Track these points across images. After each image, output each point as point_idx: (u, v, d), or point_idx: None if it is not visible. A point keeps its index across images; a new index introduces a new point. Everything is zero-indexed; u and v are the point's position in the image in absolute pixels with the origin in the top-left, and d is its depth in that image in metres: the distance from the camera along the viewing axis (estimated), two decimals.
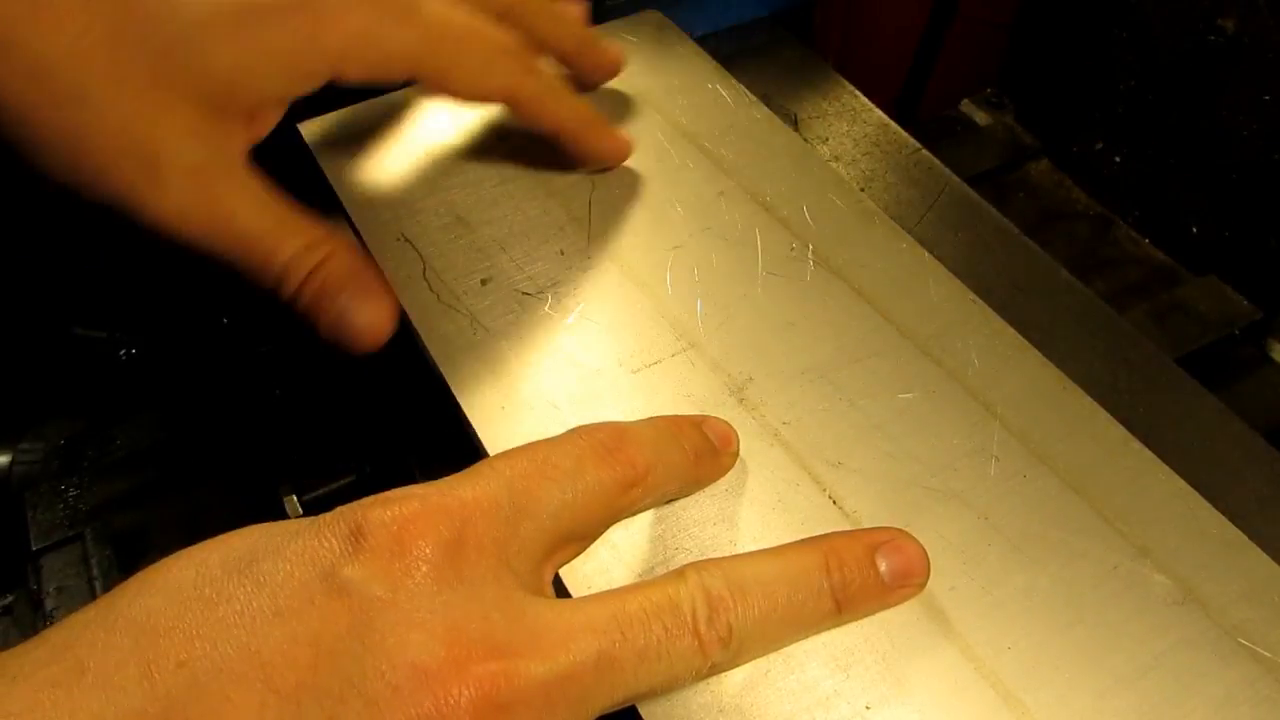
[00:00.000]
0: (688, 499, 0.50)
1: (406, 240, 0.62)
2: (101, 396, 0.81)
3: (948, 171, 0.77)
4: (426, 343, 0.57)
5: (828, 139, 0.81)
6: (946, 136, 1.00)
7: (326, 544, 0.32)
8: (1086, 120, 0.94)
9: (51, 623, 0.65)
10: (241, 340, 0.85)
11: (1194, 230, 0.87)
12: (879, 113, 0.83)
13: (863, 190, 0.74)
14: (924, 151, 0.79)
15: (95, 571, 0.67)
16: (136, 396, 0.82)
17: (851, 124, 0.82)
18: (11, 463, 0.76)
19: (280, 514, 0.69)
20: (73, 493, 0.71)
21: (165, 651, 0.30)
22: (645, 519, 0.49)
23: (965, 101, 1.02)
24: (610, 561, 0.48)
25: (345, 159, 0.68)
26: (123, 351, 0.80)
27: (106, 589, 0.67)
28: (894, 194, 0.76)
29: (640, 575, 0.47)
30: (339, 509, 0.34)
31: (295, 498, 0.68)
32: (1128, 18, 0.87)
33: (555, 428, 0.53)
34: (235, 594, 0.31)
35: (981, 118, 1.01)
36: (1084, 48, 0.92)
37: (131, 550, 0.70)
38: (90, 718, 0.29)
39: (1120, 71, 0.90)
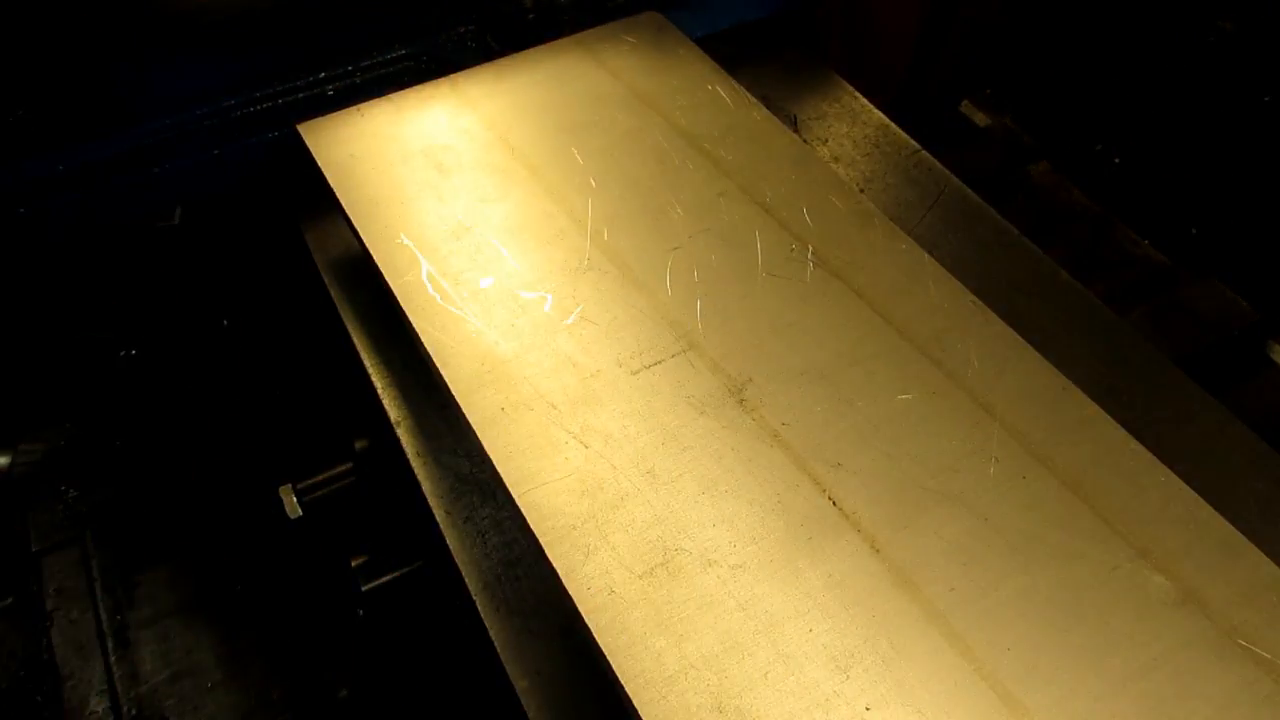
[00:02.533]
0: (685, 501, 0.50)
1: (406, 240, 0.62)
2: (101, 397, 0.81)
3: (947, 173, 0.77)
4: (426, 343, 0.57)
5: (827, 140, 0.81)
6: (946, 137, 1.00)
7: None
8: (1086, 122, 0.94)
9: (52, 624, 0.65)
10: (240, 342, 0.85)
11: (1194, 231, 0.87)
12: (879, 114, 0.83)
13: (862, 191, 0.74)
14: (924, 153, 0.79)
15: (95, 573, 0.67)
16: (136, 397, 0.82)
17: (851, 125, 0.82)
18: (11, 463, 0.76)
19: (278, 509, 0.69)
20: (73, 494, 0.71)
21: None
22: (645, 521, 0.50)
23: (965, 102, 1.02)
24: (611, 563, 0.48)
25: (345, 159, 0.68)
26: (123, 353, 0.80)
27: (107, 591, 0.67)
28: (894, 195, 0.76)
29: (640, 577, 0.47)
30: None
31: (295, 499, 0.69)
32: (1128, 19, 0.87)
33: (554, 429, 0.53)
34: None
35: (981, 118, 1.01)
36: (1083, 49, 0.92)
37: (131, 551, 0.70)
38: None
39: (1120, 73, 0.90)
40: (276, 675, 0.77)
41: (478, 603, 0.56)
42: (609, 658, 0.45)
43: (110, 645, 0.70)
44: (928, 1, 1.00)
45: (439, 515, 0.60)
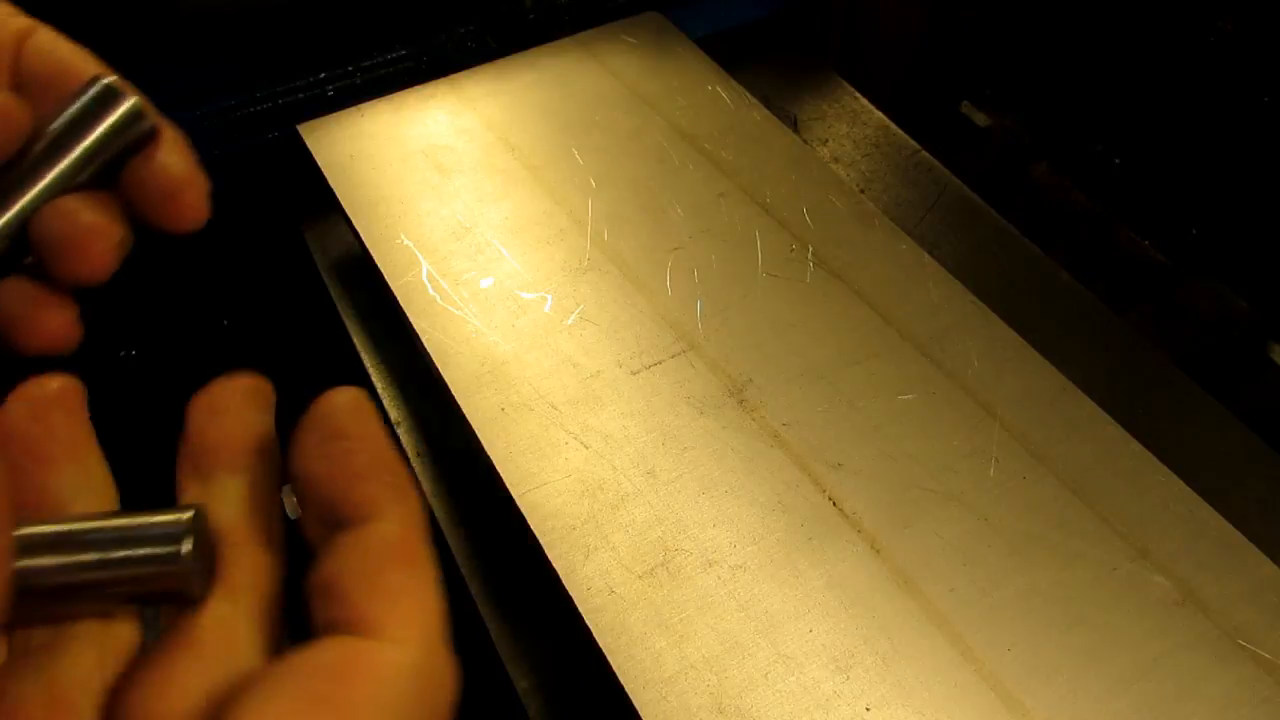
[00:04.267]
0: (686, 501, 0.50)
1: (406, 241, 0.62)
2: (101, 397, 0.81)
3: (947, 173, 0.77)
4: (426, 343, 0.57)
5: (828, 140, 0.81)
6: (946, 137, 1.00)
7: None
8: (1086, 122, 0.94)
9: None
10: (240, 342, 0.85)
11: (1194, 231, 0.87)
12: (879, 114, 0.83)
13: (863, 192, 0.74)
14: (924, 153, 0.79)
15: None
16: (136, 397, 0.81)
17: (851, 125, 0.82)
18: None
19: (279, 512, 0.69)
20: None
21: None
22: (645, 521, 0.50)
23: (965, 102, 1.02)
24: (610, 564, 0.48)
25: (345, 160, 0.68)
26: (123, 353, 0.80)
27: None
28: (894, 195, 0.76)
29: (640, 577, 0.47)
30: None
31: (295, 499, 0.68)
32: (1127, 19, 0.87)
33: (554, 429, 0.53)
34: None
35: (981, 118, 1.01)
36: (1083, 49, 0.92)
37: None
38: None
39: (1120, 73, 0.90)
40: None
41: (478, 603, 0.56)
42: (609, 658, 0.45)
43: None
44: (928, 2, 1.00)
45: (439, 515, 0.60)
